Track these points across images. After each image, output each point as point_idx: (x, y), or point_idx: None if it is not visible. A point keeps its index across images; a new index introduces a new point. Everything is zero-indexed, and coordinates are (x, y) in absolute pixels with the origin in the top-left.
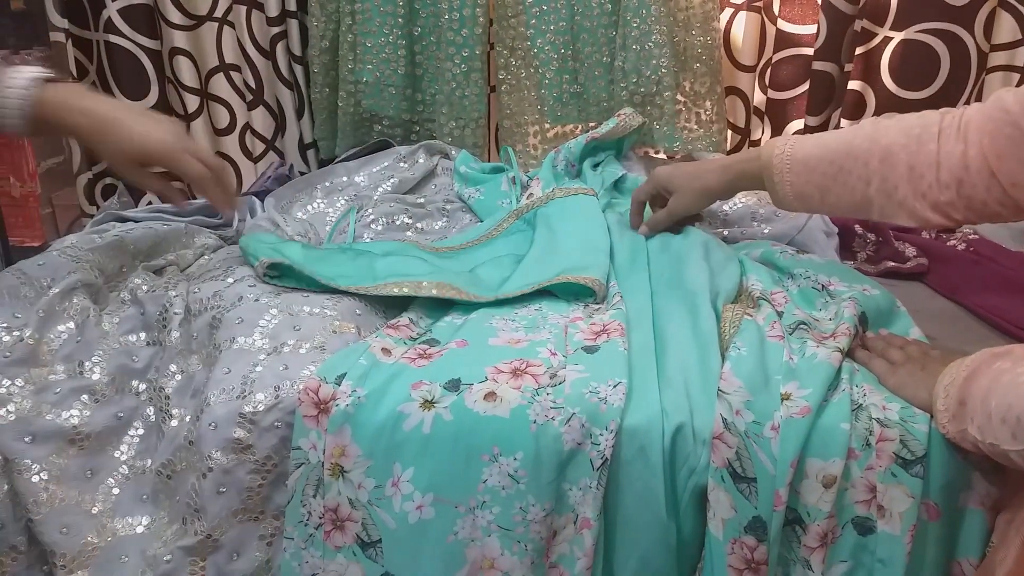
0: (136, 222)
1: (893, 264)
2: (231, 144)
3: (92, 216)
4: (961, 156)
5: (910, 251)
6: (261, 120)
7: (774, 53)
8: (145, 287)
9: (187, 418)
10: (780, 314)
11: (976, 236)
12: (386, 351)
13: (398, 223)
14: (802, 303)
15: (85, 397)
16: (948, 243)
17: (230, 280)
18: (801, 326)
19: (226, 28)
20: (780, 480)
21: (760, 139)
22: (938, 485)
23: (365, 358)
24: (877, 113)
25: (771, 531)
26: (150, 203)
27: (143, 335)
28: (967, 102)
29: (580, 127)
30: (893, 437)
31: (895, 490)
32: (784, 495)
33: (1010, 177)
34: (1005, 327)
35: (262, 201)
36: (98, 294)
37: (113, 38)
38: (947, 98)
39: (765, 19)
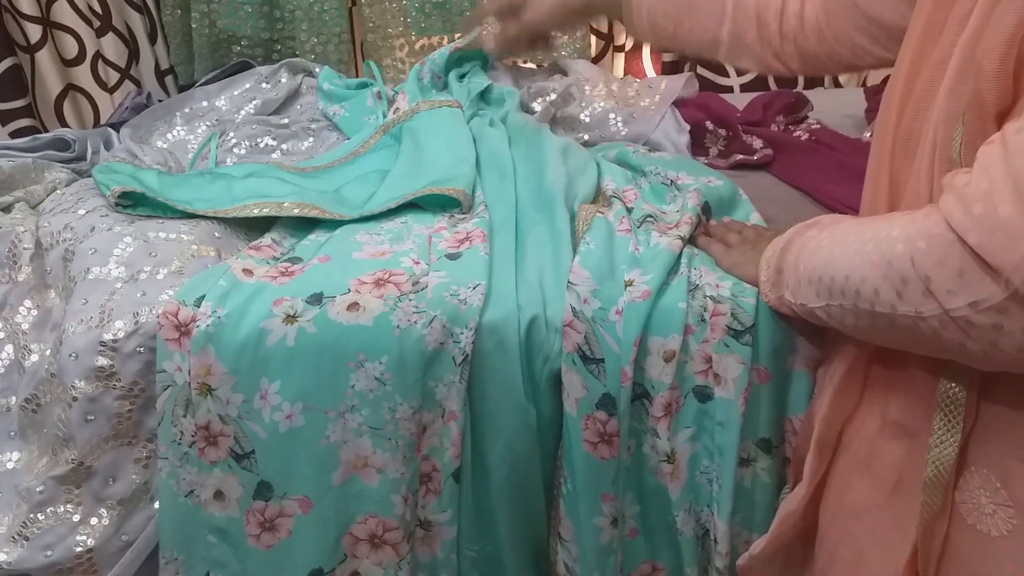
0: None
1: (742, 156)
2: (83, 75)
3: None
4: (799, 10)
5: (757, 143)
6: (112, 47)
7: None
8: None
9: (47, 352)
10: (630, 210)
11: (819, 126)
12: (247, 271)
13: (262, 146)
14: (652, 198)
15: None
16: (793, 134)
17: (81, 211)
18: (648, 219)
19: None
20: (625, 358)
21: (624, 44)
22: (766, 351)
23: (225, 279)
24: None
25: (620, 405)
26: None
27: None
28: None
29: (446, 38)
30: (725, 311)
31: (728, 359)
32: (630, 372)
33: (835, 33)
34: (836, 207)
35: (119, 132)
36: None
37: None
38: None
39: None
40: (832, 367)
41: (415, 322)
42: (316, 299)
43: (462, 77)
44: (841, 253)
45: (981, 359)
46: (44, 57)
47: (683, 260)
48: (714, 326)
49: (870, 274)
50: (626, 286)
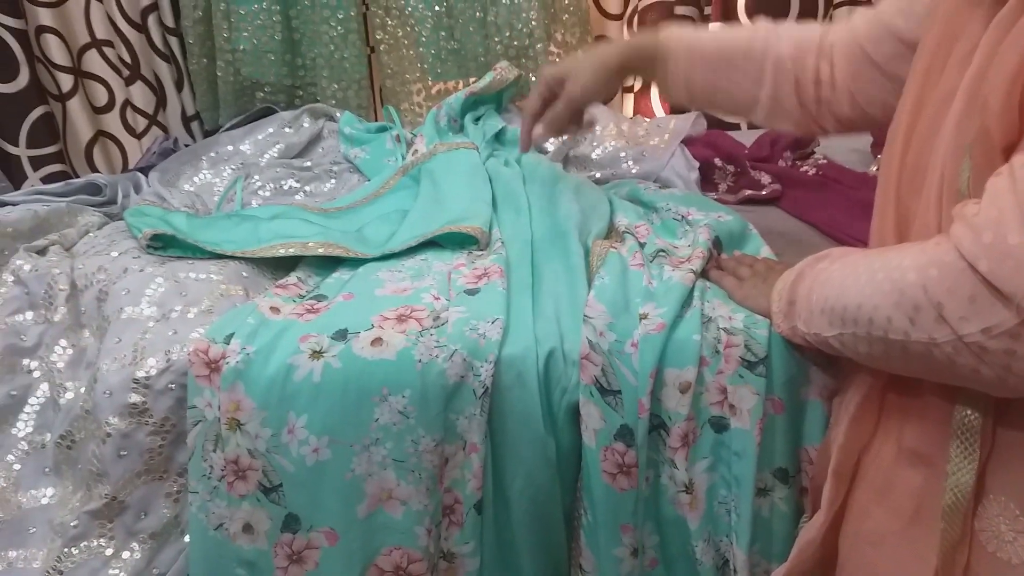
0: (15, 205)
1: (751, 192)
2: (112, 122)
3: None
4: (829, 76)
5: (765, 179)
6: (140, 95)
7: (639, 1)
8: (28, 267)
9: (81, 389)
10: (643, 245)
11: (825, 161)
12: (275, 309)
13: (286, 188)
14: (664, 233)
15: None
16: (800, 169)
17: (114, 253)
18: (660, 253)
19: (93, 3)
20: (642, 390)
21: (633, 85)
22: (780, 382)
23: (253, 317)
24: None
25: (638, 436)
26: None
27: (30, 314)
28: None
29: (461, 83)
30: (738, 343)
31: (743, 389)
32: (647, 403)
33: (865, 97)
34: (844, 239)
35: (147, 176)
36: None
37: None
38: None
39: None
40: (847, 396)
41: (436, 356)
42: (341, 335)
43: (477, 120)
44: (853, 283)
45: (995, 384)
46: (75, 105)
47: (696, 293)
48: (728, 357)
49: (882, 302)
50: (641, 319)
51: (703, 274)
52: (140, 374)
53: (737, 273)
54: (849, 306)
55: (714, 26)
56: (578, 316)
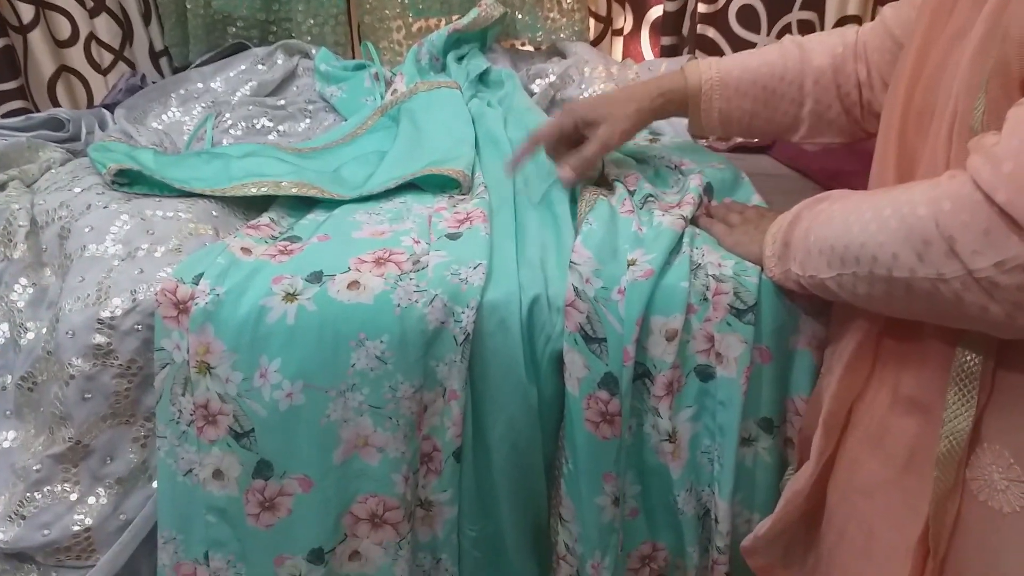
0: None
1: (741, 139)
2: (76, 56)
3: None
4: (867, 77)
5: None
6: (106, 28)
7: None
8: None
9: (43, 330)
10: (632, 192)
11: None
12: (246, 250)
13: (259, 127)
14: (657, 182)
15: None
16: None
17: (77, 189)
18: (649, 199)
19: None
20: (627, 337)
21: (622, 27)
22: (769, 330)
23: (223, 257)
24: None
25: (622, 385)
26: None
27: None
28: None
29: (443, 20)
30: (727, 291)
31: (730, 337)
32: (632, 351)
33: None
34: (837, 186)
35: (113, 113)
36: None
37: None
38: None
39: None
40: (841, 344)
41: (416, 301)
42: (316, 277)
43: (460, 59)
44: (856, 220)
45: (1003, 324)
46: (37, 38)
47: (685, 240)
48: (716, 305)
49: (888, 239)
50: (629, 265)
51: (693, 221)
52: (105, 314)
53: (727, 220)
54: (851, 245)
55: (741, 54)
56: (564, 262)
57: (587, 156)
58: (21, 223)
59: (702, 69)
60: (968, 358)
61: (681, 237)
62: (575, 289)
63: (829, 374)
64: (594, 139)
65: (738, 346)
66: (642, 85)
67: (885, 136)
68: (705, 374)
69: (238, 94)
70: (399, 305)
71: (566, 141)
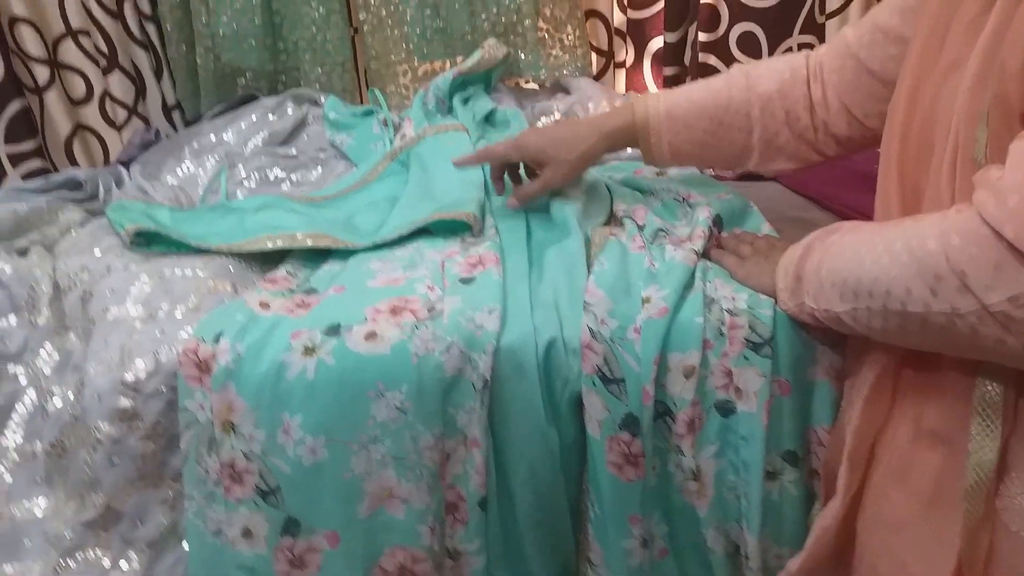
0: None
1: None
2: (91, 114)
3: None
4: (821, 97)
5: None
6: (119, 85)
7: None
8: (8, 269)
9: (69, 395)
10: (641, 228)
11: None
12: (264, 304)
13: (272, 178)
14: (665, 215)
15: None
16: None
17: (97, 251)
18: (660, 233)
19: None
20: (646, 376)
21: (624, 60)
22: (787, 362)
23: (242, 313)
24: (731, 23)
25: (643, 425)
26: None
27: (13, 318)
28: (811, 8)
29: (448, 62)
30: (742, 324)
31: (748, 372)
32: (651, 390)
33: (862, 110)
34: (846, 213)
35: (129, 170)
36: None
37: None
38: (795, 2)
39: None
40: (860, 377)
41: (433, 349)
42: (334, 330)
43: (466, 101)
44: (868, 253)
45: (1020, 355)
46: (52, 98)
47: (697, 274)
48: (733, 339)
49: (901, 273)
50: (643, 303)
51: (704, 254)
52: (129, 377)
53: (738, 251)
54: (864, 279)
55: (688, 86)
56: (578, 303)
57: (530, 192)
58: (44, 289)
59: (649, 104)
60: (989, 388)
61: (694, 272)
62: (590, 330)
63: (850, 408)
64: (539, 179)
65: (756, 380)
66: (588, 124)
67: (886, 169)
68: (725, 409)
69: (250, 145)
70: (416, 354)
71: (510, 167)
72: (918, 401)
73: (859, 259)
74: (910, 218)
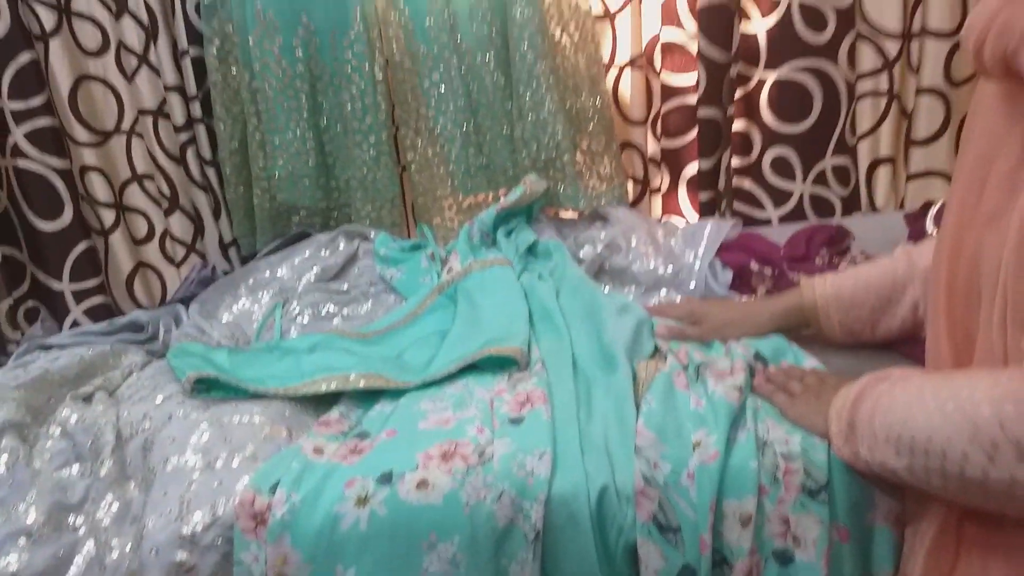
0: (61, 348)
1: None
2: (152, 252)
3: (15, 342)
4: None
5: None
6: (179, 225)
7: (661, 105)
8: (74, 418)
9: (127, 547)
10: (685, 366)
11: (863, 256)
12: (318, 451)
13: (323, 313)
14: (704, 349)
15: (22, 540)
16: (838, 267)
17: (159, 399)
18: (700, 366)
19: (135, 139)
20: (702, 525)
21: (660, 187)
22: (844, 508)
23: (297, 461)
24: (764, 148)
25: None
26: (74, 324)
27: (76, 467)
28: (842, 131)
29: (491, 195)
30: (797, 469)
31: (806, 519)
32: (708, 539)
33: None
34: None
35: (187, 307)
36: (27, 431)
37: (22, 162)
38: (825, 125)
39: (649, 74)
40: (921, 526)
41: (484, 497)
42: (386, 478)
43: (509, 233)
44: (920, 410)
45: None
46: (117, 238)
47: (748, 414)
48: (788, 485)
49: (955, 436)
50: (694, 447)
51: (751, 389)
52: (186, 530)
53: (788, 388)
54: (918, 436)
55: (855, 268)
56: (628, 445)
57: (681, 334)
58: (108, 438)
59: (816, 286)
60: None
61: (743, 410)
62: (644, 476)
63: (912, 556)
64: (709, 332)
65: (815, 527)
66: (758, 308)
67: (934, 319)
68: (784, 558)
69: (303, 280)
70: (468, 503)
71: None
72: (983, 558)
73: (910, 415)
74: (961, 373)
